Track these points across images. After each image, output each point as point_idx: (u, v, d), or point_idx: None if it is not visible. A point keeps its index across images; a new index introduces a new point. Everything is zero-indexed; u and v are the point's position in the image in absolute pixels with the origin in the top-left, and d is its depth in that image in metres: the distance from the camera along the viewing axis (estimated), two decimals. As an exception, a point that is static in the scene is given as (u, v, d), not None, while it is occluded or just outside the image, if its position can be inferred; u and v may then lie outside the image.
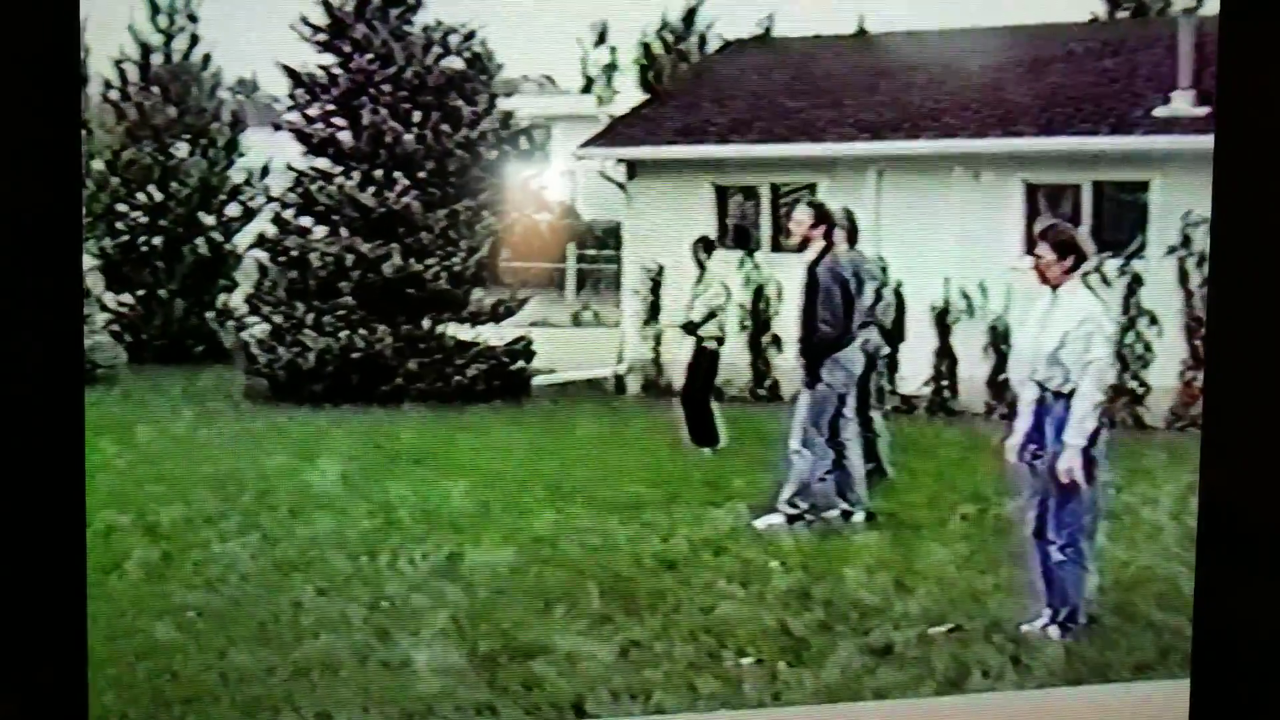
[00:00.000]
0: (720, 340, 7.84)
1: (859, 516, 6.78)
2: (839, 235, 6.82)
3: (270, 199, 8.61)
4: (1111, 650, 5.34)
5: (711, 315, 7.79)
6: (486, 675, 5.04)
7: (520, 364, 8.63)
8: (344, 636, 5.31)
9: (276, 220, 8.54)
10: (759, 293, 8.64)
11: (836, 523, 6.73)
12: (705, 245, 7.97)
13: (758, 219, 8.77)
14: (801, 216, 6.83)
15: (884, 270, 7.51)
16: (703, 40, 8.96)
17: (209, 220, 8.65)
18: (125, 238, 8.50)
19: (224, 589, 5.73)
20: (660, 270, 8.76)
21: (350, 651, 5.18)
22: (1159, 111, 7.97)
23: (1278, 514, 4.76)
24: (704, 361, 7.84)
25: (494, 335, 8.63)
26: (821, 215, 6.82)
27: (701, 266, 7.89)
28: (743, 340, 8.63)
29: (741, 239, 8.75)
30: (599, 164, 8.98)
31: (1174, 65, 7.94)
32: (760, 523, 6.65)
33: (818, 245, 6.77)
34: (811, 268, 6.75)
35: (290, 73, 8.37)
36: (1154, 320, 8.07)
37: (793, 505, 6.70)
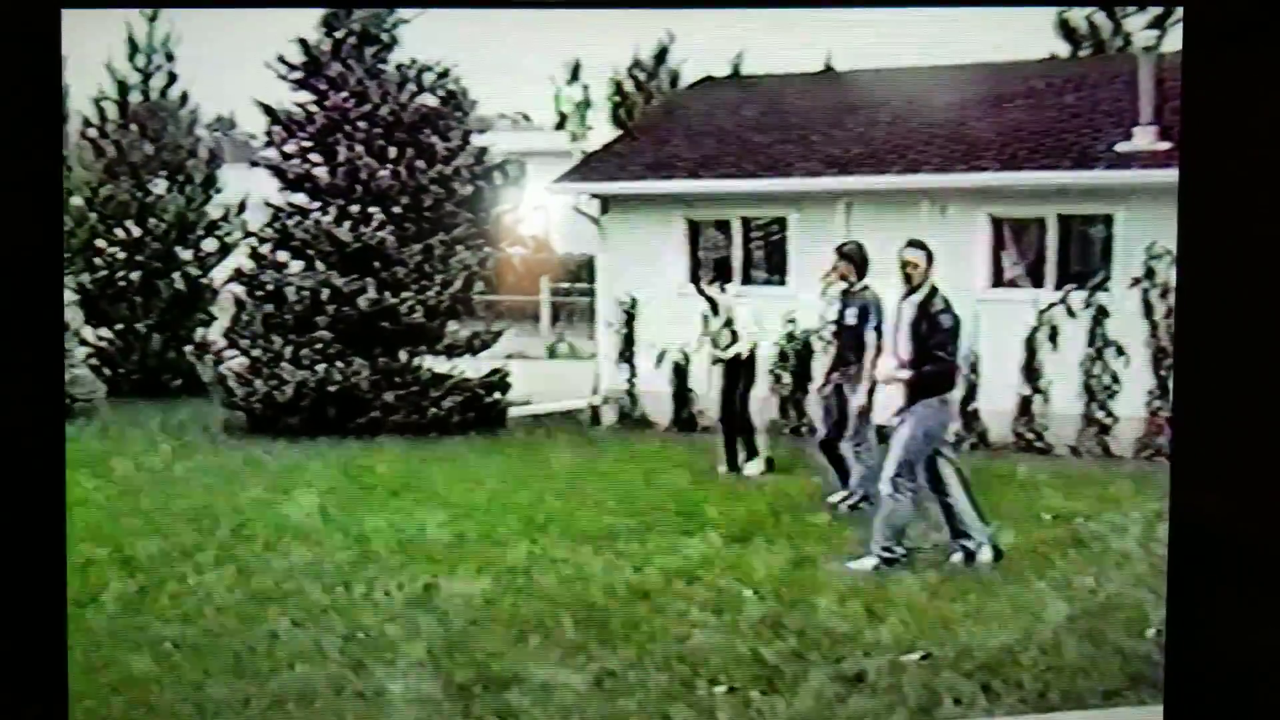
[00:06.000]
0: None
1: (985, 554, 6.60)
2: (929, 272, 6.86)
3: (247, 234, 8.62)
4: (1083, 678, 5.39)
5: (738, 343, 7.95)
6: (462, 705, 5.07)
7: (496, 396, 8.66)
8: (320, 667, 5.33)
9: (253, 255, 8.55)
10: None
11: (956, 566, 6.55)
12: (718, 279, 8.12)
13: (729, 252, 8.83)
14: (913, 257, 6.80)
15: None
16: (674, 77, 9.04)
17: (186, 255, 8.64)
18: (104, 273, 8.49)
19: (200, 621, 5.74)
20: (634, 303, 8.82)
21: (326, 682, 5.20)
22: (1121, 146, 8.04)
23: (1247, 541, 4.83)
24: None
25: (470, 368, 8.66)
26: (929, 254, 6.89)
27: (712, 300, 8.04)
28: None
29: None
30: (572, 199, 9.03)
31: (1135, 101, 8.01)
32: (854, 565, 6.50)
33: (924, 282, 6.81)
34: (924, 304, 6.73)
35: (267, 110, 8.41)
36: (1120, 351, 8.13)
37: (889, 550, 6.51)
